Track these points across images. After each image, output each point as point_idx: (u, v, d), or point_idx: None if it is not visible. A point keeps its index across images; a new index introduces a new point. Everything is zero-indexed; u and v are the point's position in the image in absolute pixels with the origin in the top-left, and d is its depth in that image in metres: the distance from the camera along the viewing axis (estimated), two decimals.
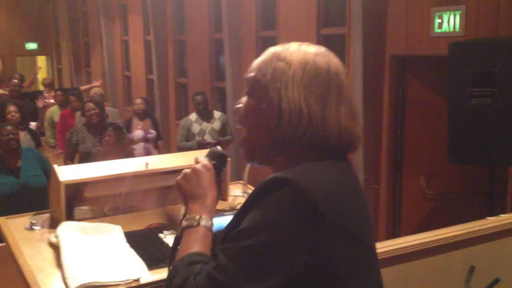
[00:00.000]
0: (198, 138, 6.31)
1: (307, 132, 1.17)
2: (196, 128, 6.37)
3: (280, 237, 1.05)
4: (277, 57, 1.23)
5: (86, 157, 5.57)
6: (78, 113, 6.70)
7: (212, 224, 1.28)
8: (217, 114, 6.58)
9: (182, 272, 1.16)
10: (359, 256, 1.14)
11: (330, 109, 1.18)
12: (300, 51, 1.23)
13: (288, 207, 1.06)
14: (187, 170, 1.33)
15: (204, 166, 1.33)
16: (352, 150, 1.24)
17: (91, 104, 5.78)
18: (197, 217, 1.26)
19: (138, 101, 7.09)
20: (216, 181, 1.34)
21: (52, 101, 8.72)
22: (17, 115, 5.90)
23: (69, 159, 5.86)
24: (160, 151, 6.98)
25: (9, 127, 4.55)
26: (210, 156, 1.36)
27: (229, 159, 1.34)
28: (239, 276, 1.06)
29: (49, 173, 4.35)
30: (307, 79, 1.19)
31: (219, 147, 1.41)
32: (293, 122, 1.17)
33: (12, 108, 5.96)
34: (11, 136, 4.45)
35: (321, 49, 1.26)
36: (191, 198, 1.30)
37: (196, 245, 1.22)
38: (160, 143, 7.13)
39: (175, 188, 1.34)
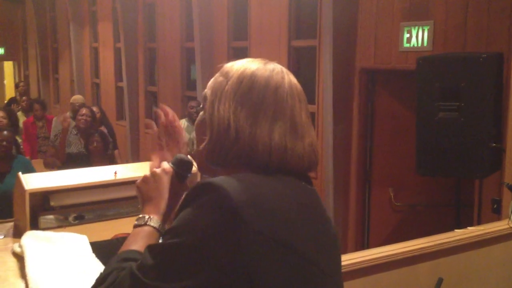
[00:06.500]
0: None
1: (234, 146, 1.17)
2: (185, 136, 6.21)
3: (201, 240, 1.06)
4: (221, 72, 1.27)
5: (69, 160, 5.55)
6: (55, 118, 6.65)
7: (161, 226, 1.28)
8: None
9: (112, 266, 1.18)
10: (293, 269, 1.10)
11: (261, 125, 1.17)
12: (243, 66, 1.24)
13: (210, 212, 1.06)
14: (148, 174, 1.35)
15: (163, 170, 1.34)
16: (296, 169, 1.19)
17: (85, 110, 5.81)
18: (147, 217, 1.28)
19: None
20: (181, 187, 1.35)
21: None
22: (5, 121, 6.00)
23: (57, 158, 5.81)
24: (116, 161, 6.86)
25: (5, 133, 4.58)
26: (174, 162, 1.36)
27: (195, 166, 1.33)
28: (157, 274, 1.06)
29: None
30: (240, 94, 1.20)
31: (183, 155, 1.40)
32: (221, 136, 1.18)
33: (0, 113, 6.10)
34: (4, 143, 4.48)
35: (268, 65, 1.24)
36: (147, 200, 1.32)
37: (137, 243, 1.23)
38: (116, 153, 7.00)
39: (135, 190, 1.36)
